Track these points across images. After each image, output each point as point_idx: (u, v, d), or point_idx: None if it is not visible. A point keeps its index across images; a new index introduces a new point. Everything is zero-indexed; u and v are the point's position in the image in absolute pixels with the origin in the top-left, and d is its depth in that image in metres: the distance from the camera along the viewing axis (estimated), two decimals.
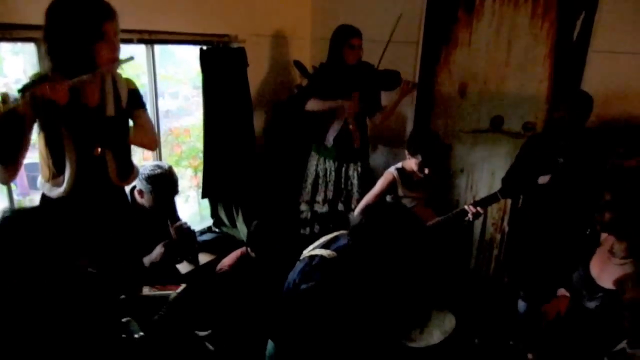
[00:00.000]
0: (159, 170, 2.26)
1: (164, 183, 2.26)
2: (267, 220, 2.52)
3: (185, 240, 2.32)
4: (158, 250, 2.22)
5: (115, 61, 1.72)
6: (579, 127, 2.35)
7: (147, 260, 2.20)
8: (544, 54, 2.91)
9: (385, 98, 3.04)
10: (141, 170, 2.21)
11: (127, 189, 2.20)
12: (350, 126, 2.92)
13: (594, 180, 2.20)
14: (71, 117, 1.69)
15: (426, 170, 2.58)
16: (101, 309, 1.41)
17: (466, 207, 2.44)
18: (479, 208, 2.40)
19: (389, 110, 2.99)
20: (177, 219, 2.46)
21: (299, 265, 1.88)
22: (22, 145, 1.63)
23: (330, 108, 2.88)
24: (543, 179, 2.42)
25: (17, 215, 1.16)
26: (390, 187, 2.69)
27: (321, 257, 1.80)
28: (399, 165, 2.73)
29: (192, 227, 2.42)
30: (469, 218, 2.43)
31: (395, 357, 1.95)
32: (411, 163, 2.62)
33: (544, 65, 2.93)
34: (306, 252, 1.93)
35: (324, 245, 1.89)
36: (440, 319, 2.10)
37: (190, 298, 1.54)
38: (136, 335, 1.35)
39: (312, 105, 2.91)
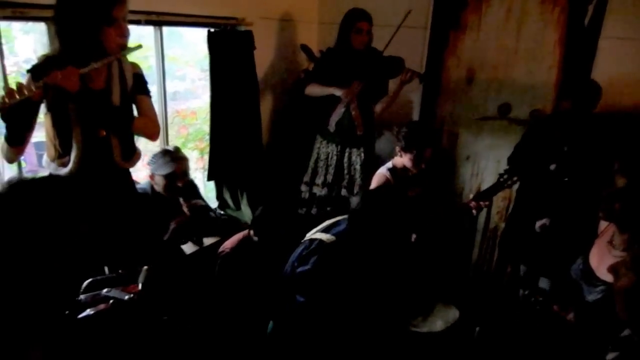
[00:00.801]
0: (163, 148, 2.30)
1: (167, 156, 2.27)
2: (272, 205, 2.54)
3: (197, 219, 2.33)
4: (170, 227, 2.25)
5: (124, 46, 1.73)
6: (586, 116, 2.32)
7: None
8: (554, 40, 2.85)
9: (391, 85, 2.98)
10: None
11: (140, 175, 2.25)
12: (353, 112, 2.90)
13: (599, 170, 2.18)
14: (78, 100, 1.71)
15: (422, 165, 2.44)
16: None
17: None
18: (481, 202, 2.29)
19: (388, 100, 2.93)
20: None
21: (298, 248, 1.91)
22: (30, 127, 1.67)
23: (324, 94, 2.84)
24: None
25: (24, 183, 1.20)
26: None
27: (320, 240, 1.83)
28: (389, 165, 2.57)
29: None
30: (473, 213, 2.31)
31: (394, 340, 1.98)
32: (403, 160, 2.47)
33: (554, 51, 2.87)
34: (308, 235, 1.96)
35: (325, 229, 1.92)
36: (444, 312, 2.12)
37: (162, 275, 1.59)
38: (126, 297, 1.41)
39: (310, 90, 2.92)
